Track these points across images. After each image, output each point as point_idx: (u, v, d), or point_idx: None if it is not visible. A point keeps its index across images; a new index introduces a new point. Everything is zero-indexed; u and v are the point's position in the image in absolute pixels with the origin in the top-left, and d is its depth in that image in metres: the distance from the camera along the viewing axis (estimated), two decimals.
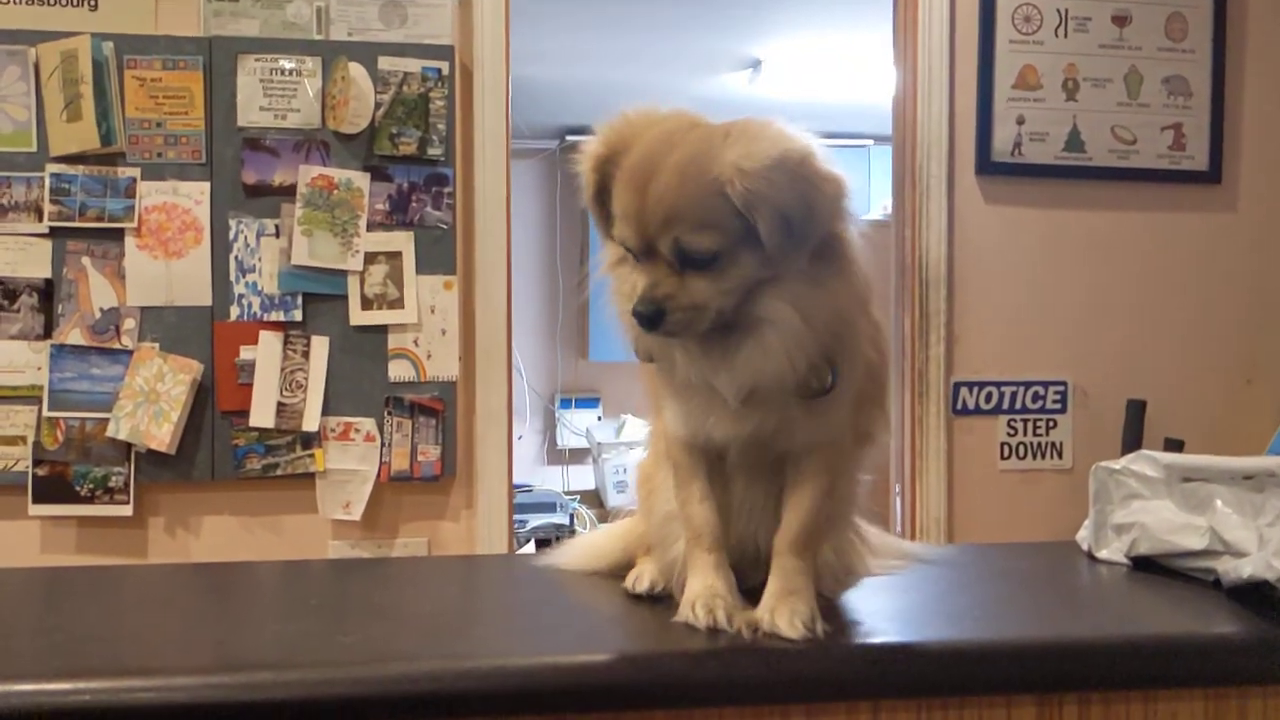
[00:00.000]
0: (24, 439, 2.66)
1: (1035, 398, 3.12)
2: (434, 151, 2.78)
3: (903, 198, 3.14)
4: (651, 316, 1.07)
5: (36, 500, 2.66)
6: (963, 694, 1.11)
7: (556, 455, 6.97)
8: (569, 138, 6.63)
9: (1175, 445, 2.91)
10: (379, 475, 2.79)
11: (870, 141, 6.79)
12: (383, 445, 2.79)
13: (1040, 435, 3.12)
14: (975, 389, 3.09)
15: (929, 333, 3.06)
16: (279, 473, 2.75)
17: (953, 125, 3.07)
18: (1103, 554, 1.49)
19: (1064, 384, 3.13)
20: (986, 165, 3.09)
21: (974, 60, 3.07)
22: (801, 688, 1.10)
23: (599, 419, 6.91)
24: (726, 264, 1.06)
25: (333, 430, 2.77)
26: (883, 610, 1.31)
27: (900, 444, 3.14)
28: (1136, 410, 3.04)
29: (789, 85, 5.53)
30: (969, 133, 3.08)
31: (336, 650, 1.13)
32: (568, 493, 6.24)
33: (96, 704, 1.01)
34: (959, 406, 3.08)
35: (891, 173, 3.22)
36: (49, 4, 2.66)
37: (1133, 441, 2.98)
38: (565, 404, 6.97)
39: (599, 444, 6.43)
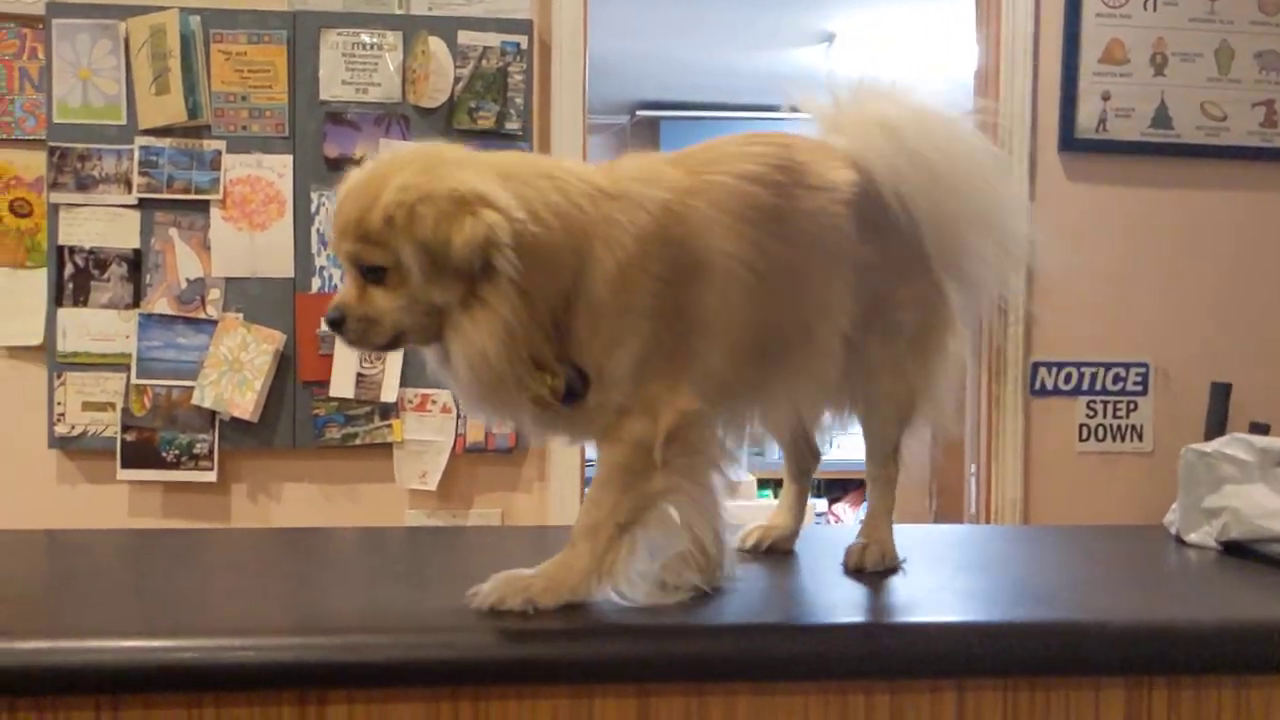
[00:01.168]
0: (113, 405, 2.74)
1: (1116, 379, 3.06)
2: (511, 126, 2.80)
3: None
4: (333, 322, 1.18)
5: (125, 465, 2.74)
6: (1050, 674, 1.10)
7: None
8: (639, 113, 6.62)
9: (1261, 429, 2.84)
10: (454, 446, 2.83)
11: None
12: (458, 417, 2.82)
13: (1120, 417, 3.06)
14: (1054, 369, 3.04)
15: (1007, 312, 3.01)
16: (358, 442, 2.80)
17: (1035, 101, 3.02)
18: (1191, 538, 1.47)
19: (1145, 365, 3.07)
20: (1070, 142, 3.03)
21: (1059, 34, 3.01)
22: (887, 665, 1.10)
23: None
24: (398, 281, 1.14)
25: (410, 401, 2.81)
26: (968, 589, 1.30)
27: (976, 424, 3.11)
28: (1221, 393, 2.97)
29: (862, 59, 5.47)
30: (1052, 108, 3.02)
31: (426, 615, 1.16)
32: None
33: (200, 662, 1.05)
34: (1037, 387, 3.03)
35: None
36: None
37: (1217, 425, 2.92)
38: None
39: None
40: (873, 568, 1.32)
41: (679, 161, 1.23)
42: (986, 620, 1.15)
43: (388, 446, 2.82)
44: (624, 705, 1.08)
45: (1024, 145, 3.00)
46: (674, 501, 1.18)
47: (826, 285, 1.25)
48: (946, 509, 4.27)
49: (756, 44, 5.24)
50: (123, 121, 2.71)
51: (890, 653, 1.10)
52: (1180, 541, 1.48)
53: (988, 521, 3.03)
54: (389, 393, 2.79)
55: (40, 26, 2.70)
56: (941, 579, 1.32)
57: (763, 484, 6.52)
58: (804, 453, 1.45)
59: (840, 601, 1.26)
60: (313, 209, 2.76)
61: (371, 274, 1.15)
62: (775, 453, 1.51)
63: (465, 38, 2.77)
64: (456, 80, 2.77)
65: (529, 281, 1.12)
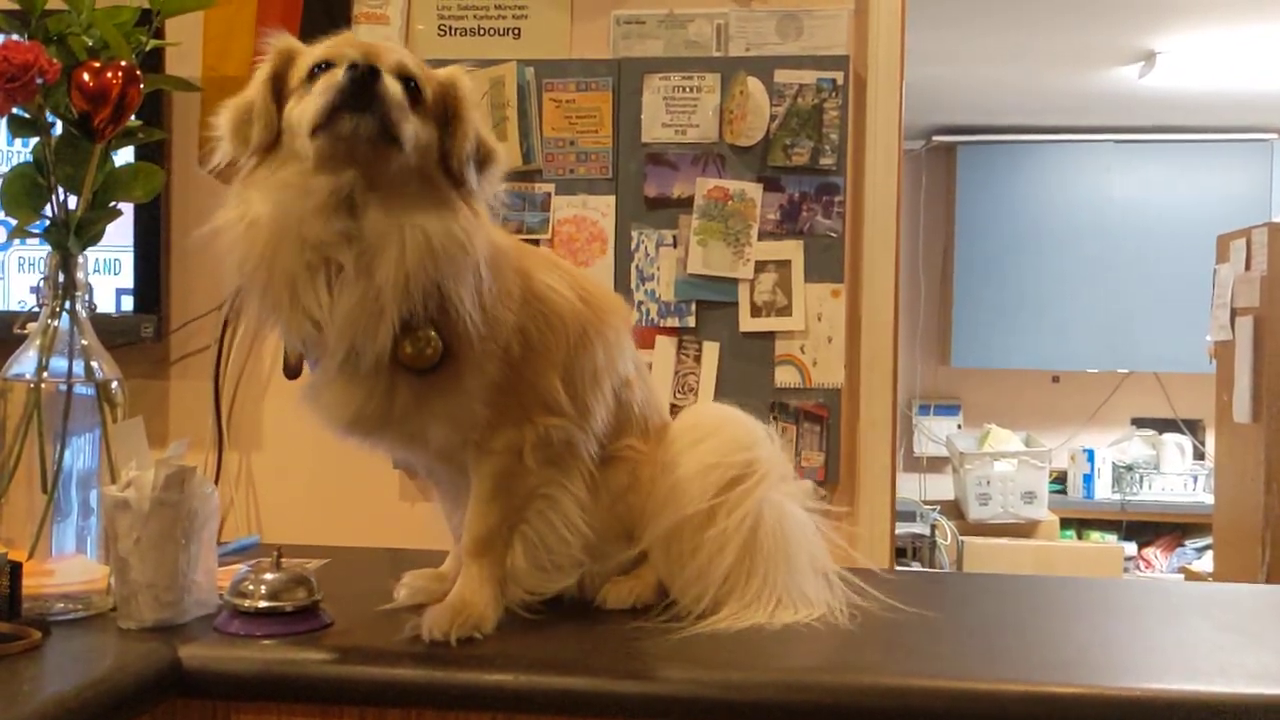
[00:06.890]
0: None
1: None
2: (825, 161, 2.82)
3: None
4: (367, 74, 1.23)
5: None
6: None
7: (913, 463, 6.86)
8: (935, 138, 6.51)
9: None
10: None
11: (1274, 135, 6.22)
12: None
13: None
14: None
15: None
16: None
17: None
18: None
19: None
20: None
21: None
22: None
23: (959, 427, 6.73)
24: (417, 103, 1.31)
25: None
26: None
27: None
28: None
29: (1183, 78, 5.15)
30: None
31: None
32: (926, 502, 6.12)
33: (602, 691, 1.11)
34: None
35: None
36: (481, 34, 2.92)
37: None
38: (924, 410, 6.85)
39: (961, 454, 6.25)
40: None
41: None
42: None
43: None
44: None
45: None
46: (550, 493, 1.32)
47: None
48: None
49: (1068, 64, 5.04)
50: None
51: None
52: None
53: None
54: None
55: None
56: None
57: (1065, 524, 6.23)
58: None
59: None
60: (632, 246, 2.88)
61: (403, 81, 1.32)
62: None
63: (781, 76, 2.82)
64: (772, 118, 2.82)
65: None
